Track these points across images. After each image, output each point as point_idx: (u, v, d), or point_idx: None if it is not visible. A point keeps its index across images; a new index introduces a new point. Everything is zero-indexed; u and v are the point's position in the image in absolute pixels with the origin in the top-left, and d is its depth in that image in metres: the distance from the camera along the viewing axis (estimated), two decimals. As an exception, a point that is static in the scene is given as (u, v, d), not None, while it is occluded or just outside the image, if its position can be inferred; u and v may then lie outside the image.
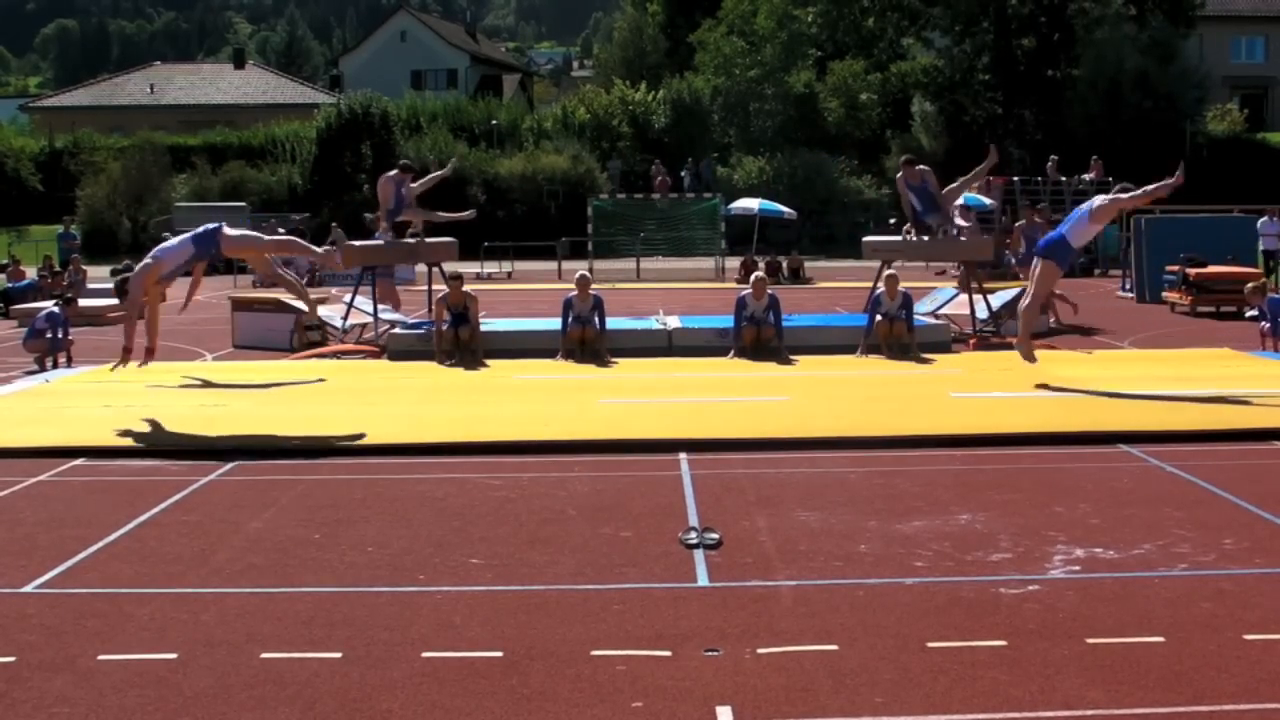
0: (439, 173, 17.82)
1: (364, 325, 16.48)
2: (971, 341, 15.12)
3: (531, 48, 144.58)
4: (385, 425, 9.95)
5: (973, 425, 9.82)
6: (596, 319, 13.78)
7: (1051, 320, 17.48)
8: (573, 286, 14.14)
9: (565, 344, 13.74)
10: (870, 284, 16.27)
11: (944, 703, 4.66)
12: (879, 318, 13.95)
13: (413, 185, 16.10)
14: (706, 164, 40.06)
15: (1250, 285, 15.27)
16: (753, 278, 14.30)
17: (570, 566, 6.41)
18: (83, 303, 20.78)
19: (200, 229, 11.84)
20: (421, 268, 19.55)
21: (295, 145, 43.55)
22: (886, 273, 14.32)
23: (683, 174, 38.24)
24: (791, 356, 13.41)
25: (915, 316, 14.36)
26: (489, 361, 13.42)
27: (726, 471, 8.52)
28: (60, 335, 14.47)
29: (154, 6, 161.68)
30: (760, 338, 13.73)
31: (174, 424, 10.06)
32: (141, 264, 12.03)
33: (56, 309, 14.79)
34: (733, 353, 13.80)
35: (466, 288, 13.99)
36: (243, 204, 38.11)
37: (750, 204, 33.36)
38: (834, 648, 5.22)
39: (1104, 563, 6.38)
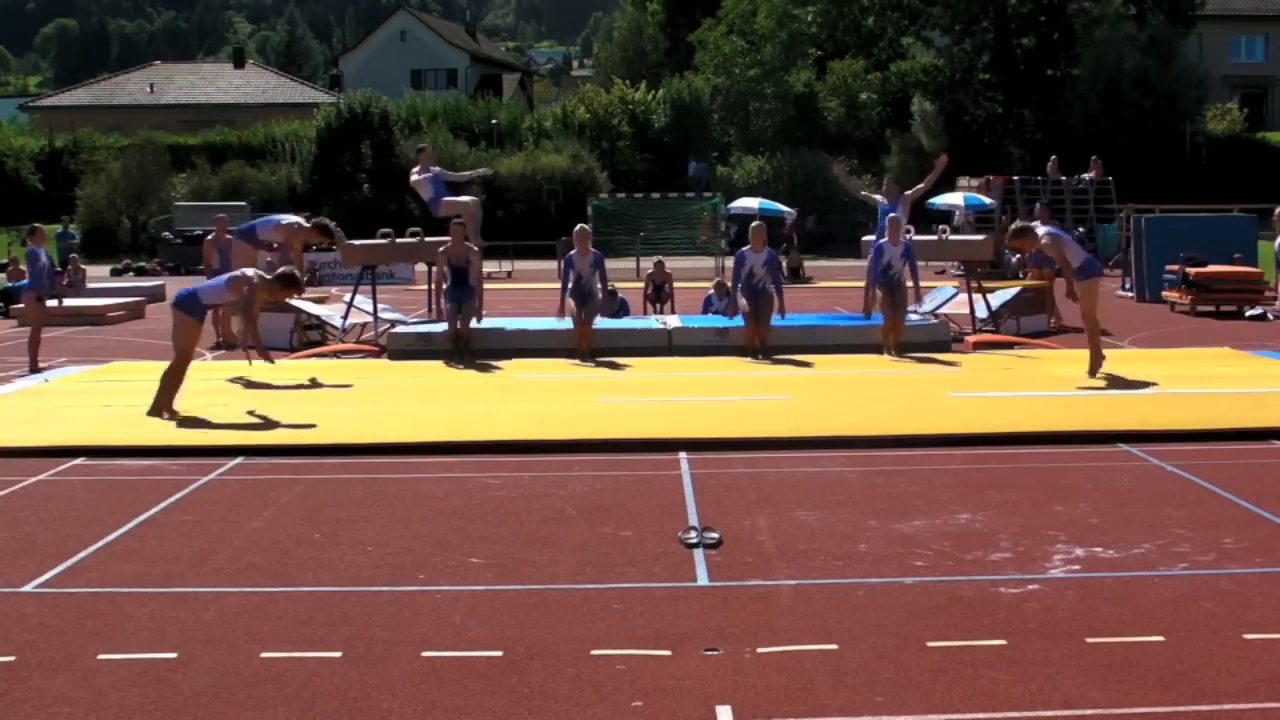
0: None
1: (364, 325, 16.49)
2: (972, 341, 15.11)
3: (531, 47, 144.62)
4: (385, 425, 9.95)
5: (973, 425, 9.81)
6: (598, 277, 13.89)
7: (1050, 321, 17.50)
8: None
9: (567, 309, 13.97)
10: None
11: (944, 702, 4.66)
12: (883, 270, 13.79)
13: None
14: (704, 165, 40.02)
15: None
16: (751, 226, 14.46)
17: (570, 566, 6.41)
18: (83, 302, 20.82)
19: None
20: (421, 267, 19.53)
21: (295, 145, 43.55)
22: (890, 215, 14.22)
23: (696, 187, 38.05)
24: (790, 356, 13.42)
25: (912, 316, 14.34)
26: (489, 362, 13.42)
27: (726, 471, 8.52)
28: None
29: (154, 6, 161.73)
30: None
31: (174, 424, 10.05)
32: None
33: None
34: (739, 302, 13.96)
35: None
36: (243, 203, 38.13)
37: (750, 203, 33.38)
38: (834, 647, 5.22)
39: (1104, 562, 6.38)
